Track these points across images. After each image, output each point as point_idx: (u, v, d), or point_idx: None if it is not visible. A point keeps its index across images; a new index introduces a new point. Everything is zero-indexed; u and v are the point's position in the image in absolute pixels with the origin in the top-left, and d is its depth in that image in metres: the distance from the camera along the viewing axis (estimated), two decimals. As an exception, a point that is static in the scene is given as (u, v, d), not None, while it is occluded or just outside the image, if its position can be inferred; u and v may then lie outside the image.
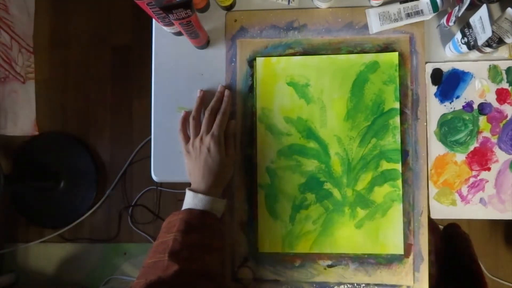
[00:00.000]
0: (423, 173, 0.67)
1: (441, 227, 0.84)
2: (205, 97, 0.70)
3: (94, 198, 1.49)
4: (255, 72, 0.70)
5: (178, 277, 0.52)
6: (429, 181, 0.67)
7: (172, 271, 0.53)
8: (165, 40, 0.72)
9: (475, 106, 0.67)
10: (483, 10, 0.58)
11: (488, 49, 0.63)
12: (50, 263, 1.51)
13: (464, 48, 0.63)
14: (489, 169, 0.67)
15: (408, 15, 0.67)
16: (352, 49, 0.69)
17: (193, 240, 0.58)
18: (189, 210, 0.61)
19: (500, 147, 0.67)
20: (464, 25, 0.62)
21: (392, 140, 0.67)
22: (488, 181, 0.67)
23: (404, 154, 0.67)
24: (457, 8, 0.61)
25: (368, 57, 0.68)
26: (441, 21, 0.67)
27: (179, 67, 0.72)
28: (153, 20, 0.70)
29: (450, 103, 0.68)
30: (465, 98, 0.68)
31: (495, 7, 0.67)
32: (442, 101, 0.68)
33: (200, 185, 0.64)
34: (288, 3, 0.70)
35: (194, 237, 0.58)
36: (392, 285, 0.66)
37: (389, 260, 0.67)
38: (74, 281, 1.50)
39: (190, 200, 0.62)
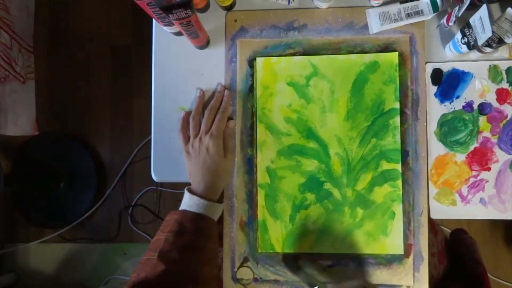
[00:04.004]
0: (423, 173, 0.67)
1: (448, 230, 0.85)
2: (205, 97, 0.70)
3: (94, 198, 1.49)
4: (255, 72, 0.70)
5: (164, 278, 0.53)
6: (429, 181, 0.67)
7: (158, 271, 0.53)
8: (165, 40, 0.72)
9: (475, 106, 0.67)
10: (483, 10, 0.58)
11: (488, 49, 0.63)
12: (50, 263, 1.51)
13: (464, 48, 0.63)
14: (489, 169, 0.67)
15: (408, 15, 0.67)
16: (352, 49, 0.69)
17: (184, 242, 0.58)
18: (184, 212, 0.61)
19: (500, 147, 0.67)
20: (464, 25, 0.62)
21: (392, 140, 0.67)
22: (488, 181, 0.67)
23: (404, 154, 0.67)
24: (457, 8, 0.61)
25: (368, 57, 0.68)
26: (441, 21, 0.67)
27: (179, 67, 0.72)
28: (153, 20, 0.70)
29: (450, 103, 0.68)
30: (465, 98, 0.68)
31: (495, 7, 0.67)
32: (442, 101, 0.68)
33: (199, 185, 0.64)
34: (288, 3, 0.70)
35: (186, 239, 0.58)
36: (392, 285, 0.66)
37: (389, 260, 0.67)
38: (74, 281, 1.50)
39: (187, 201, 0.63)
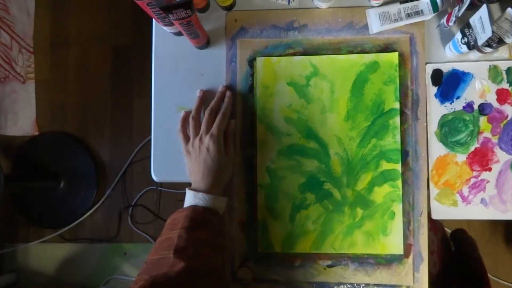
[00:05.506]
0: (423, 174, 0.67)
1: (448, 230, 0.85)
2: (205, 97, 0.70)
3: (94, 198, 1.49)
4: (255, 72, 0.70)
5: (185, 274, 0.52)
6: (430, 182, 0.67)
7: (179, 268, 0.52)
8: (165, 40, 0.72)
9: (476, 107, 0.67)
10: (483, 10, 0.58)
11: (488, 49, 0.63)
12: (50, 263, 1.51)
13: (464, 48, 0.63)
14: (490, 169, 0.67)
15: (408, 15, 0.67)
16: (352, 49, 0.69)
17: (197, 237, 0.58)
18: (193, 207, 0.61)
19: (500, 148, 0.67)
20: (464, 25, 0.62)
21: (392, 140, 0.67)
22: (489, 182, 0.67)
23: (404, 154, 0.67)
24: (457, 8, 0.61)
25: (368, 57, 0.68)
26: (441, 21, 0.67)
27: (179, 67, 0.72)
28: (153, 20, 0.70)
29: (451, 103, 0.68)
30: (466, 99, 0.68)
31: (495, 7, 0.67)
32: (442, 101, 0.68)
33: (200, 185, 0.64)
34: (288, 3, 0.70)
35: (199, 234, 0.58)
36: (391, 285, 0.66)
37: (388, 261, 0.67)
38: (74, 281, 1.50)
39: (191, 199, 0.63)
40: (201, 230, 0.59)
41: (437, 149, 0.68)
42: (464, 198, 0.67)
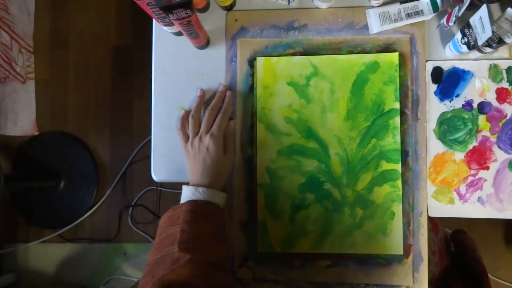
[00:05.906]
0: (423, 174, 0.67)
1: (449, 231, 0.86)
2: (205, 96, 0.71)
3: (94, 198, 1.49)
4: (255, 72, 0.70)
5: (192, 267, 0.51)
6: (428, 179, 0.67)
7: (184, 261, 0.51)
8: (165, 40, 0.72)
9: (475, 105, 0.67)
10: (483, 10, 0.58)
11: (488, 49, 0.63)
12: (50, 263, 1.51)
13: (464, 48, 0.63)
14: (487, 168, 0.67)
15: (408, 15, 0.67)
16: (353, 49, 0.69)
17: (200, 230, 0.57)
18: (193, 202, 0.61)
19: (499, 146, 0.67)
20: (464, 25, 0.62)
21: (392, 141, 0.67)
22: (486, 180, 0.67)
23: (404, 155, 0.67)
24: (457, 8, 0.61)
25: (369, 57, 0.68)
26: (441, 21, 0.67)
27: (179, 67, 0.72)
28: (153, 20, 0.70)
29: (450, 101, 0.68)
30: (465, 97, 0.68)
31: (495, 7, 0.67)
32: (442, 99, 0.68)
33: (198, 183, 0.64)
34: (288, 3, 0.71)
35: (201, 227, 0.58)
36: (391, 286, 0.66)
37: (388, 261, 0.67)
38: (74, 281, 1.50)
39: (190, 194, 0.62)
40: (203, 223, 0.58)
41: (435, 147, 0.68)
42: (461, 196, 0.67)
